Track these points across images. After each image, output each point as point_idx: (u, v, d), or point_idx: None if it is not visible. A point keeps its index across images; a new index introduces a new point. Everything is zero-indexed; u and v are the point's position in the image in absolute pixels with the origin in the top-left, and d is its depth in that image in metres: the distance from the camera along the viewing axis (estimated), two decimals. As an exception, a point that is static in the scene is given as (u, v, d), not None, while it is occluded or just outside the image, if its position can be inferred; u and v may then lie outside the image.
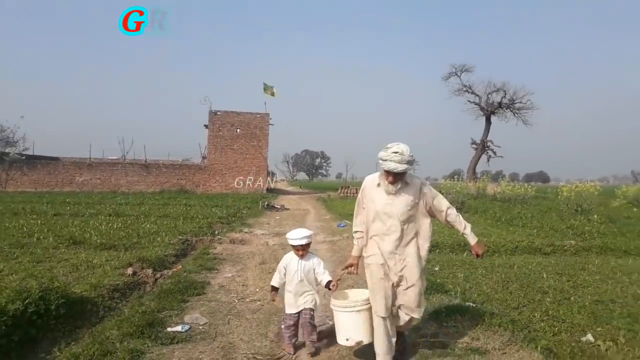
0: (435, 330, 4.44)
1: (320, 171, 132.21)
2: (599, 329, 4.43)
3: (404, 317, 3.75)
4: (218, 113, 34.01)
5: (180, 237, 9.98)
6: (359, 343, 3.79)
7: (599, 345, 4.05)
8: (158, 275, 6.72)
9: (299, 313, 4.04)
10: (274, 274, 4.23)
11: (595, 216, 15.09)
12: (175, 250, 8.67)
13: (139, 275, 6.56)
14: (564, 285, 6.27)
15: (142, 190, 31.62)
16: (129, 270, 6.53)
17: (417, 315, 3.74)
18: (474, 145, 41.41)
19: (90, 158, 33.23)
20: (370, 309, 3.77)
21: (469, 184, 32.02)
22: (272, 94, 34.80)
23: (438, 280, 6.26)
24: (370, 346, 3.77)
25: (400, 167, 3.51)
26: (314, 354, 3.98)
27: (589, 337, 4.21)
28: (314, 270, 4.08)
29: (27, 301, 4.22)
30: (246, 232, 11.75)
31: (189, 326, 4.45)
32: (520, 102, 40.27)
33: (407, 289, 3.66)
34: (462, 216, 3.90)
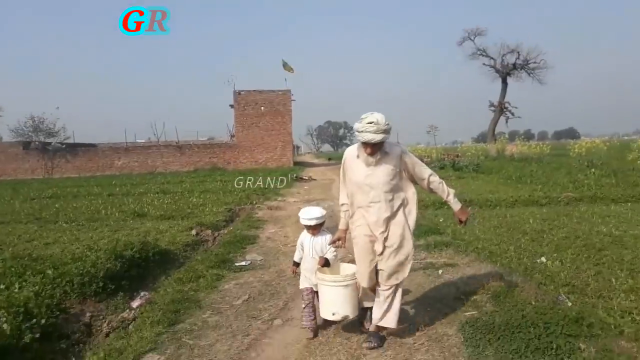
0: (425, 256, 6.03)
1: (344, 141, 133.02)
2: (555, 255, 5.90)
3: (385, 286, 3.72)
4: (242, 93, 35.46)
5: (225, 207, 11.66)
6: (344, 317, 3.82)
7: (547, 264, 5.53)
8: (216, 235, 8.42)
9: (314, 289, 4.02)
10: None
11: (592, 170, 16.24)
12: (224, 216, 10.31)
13: (201, 236, 8.25)
14: (544, 227, 7.66)
15: (177, 170, 33.57)
16: (193, 232, 8.24)
17: (394, 281, 3.69)
18: (492, 108, 42.28)
19: (126, 142, 35.33)
20: (355, 284, 3.82)
21: (488, 146, 33.12)
22: (291, 71, 36.13)
23: (438, 227, 7.79)
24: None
25: (377, 137, 3.47)
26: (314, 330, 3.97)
27: (543, 259, 5.67)
28: (323, 247, 4.03)
29: (133, 250, 5.95)
30: (280, 201, 13.46)
31: (250, 261, 6.20)
32: (535, 62, 40.85)
33: (389, 256, 3.66)
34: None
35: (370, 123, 3.43)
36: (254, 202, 13.15)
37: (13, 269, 5.07)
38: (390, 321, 3.69)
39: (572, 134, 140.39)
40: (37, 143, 34.09)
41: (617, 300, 4.10)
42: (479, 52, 42.80)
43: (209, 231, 8.52)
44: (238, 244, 7.23)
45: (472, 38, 43.04)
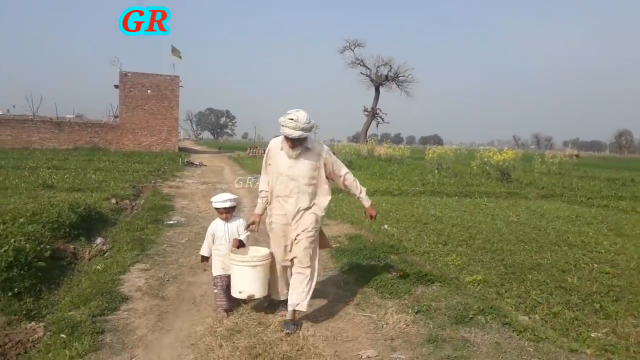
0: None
1: (225, 130, 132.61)
2: (395, 224, 8.55)
3: (298, 269, 3.95)
4: (128, 74, 35.38)
5: (129, 183, 12.98)
6: (250, 297, 4.00)
7: (388, 229, 8.15)
8: (133, 204, 9.99)
9: (228, 275, 4.13)
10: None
11: (436, 171, 20.10)
12: (131, 191, 11.78)
13: (120, 204, 9.77)
14: (392, 209, 10.42)
15: (54, 147, 32.55)
16: (113, 200, 9.72)
17: (306, 264, 3.92)
18: (366, 112, 47.05)
19: (-3, 114, 33.52)
20: (265, 266, 3.99)
21: (360, 146, 36.96)
22: (180, 57, 36.80)
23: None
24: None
25: (295, 134, 3.65)
26: (227, 310, 4.16)
27: (385, 226, 8.29)
28: (238, 230, 4.22)
29: (80, 208, 7.48)
30: (179, 182, 15.09)
31: (176, 221, 8.06)
32: (403, 76, 46.48)
33: (298, 242, 3.91)
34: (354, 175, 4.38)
35: (291, 119, 3.66)
36: (152, 181, 14.54)
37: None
38: (303, 305, 3.91)
39: (437, 140, 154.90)
40: None
41: (422, 245, 6.81)
42: (357, 62, 47.24)
43: (127, 201, 10.06)
44: (160, 210, 9.01)
45: (352, 48, 47.37)
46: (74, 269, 5.39)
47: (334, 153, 4.30)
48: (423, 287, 4.88)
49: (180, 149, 38.89)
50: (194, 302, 4.47)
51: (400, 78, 47.08)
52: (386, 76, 47.09)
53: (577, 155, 59.52)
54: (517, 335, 3.78)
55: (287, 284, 4.11)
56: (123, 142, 34.98)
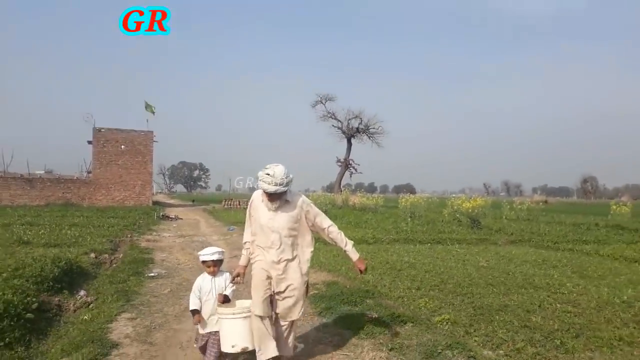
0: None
1: (199, 183, 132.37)
2: (370, 272, 8.86)
3: (282, 322, 4.01)
4: (102, 130, 35.73)
5: (105, 238, 13.06)
6: (244, 349, 3.94)
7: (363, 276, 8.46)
8: (112, 258, 10.10)
9: (209, 334, 4.09)
10: (190, 293, 4.23)
11: (411, 219, 20.60)
12: (109, 245, 11.86)
13: (99, 258, 9.88)
14: (367, 256, 10.72)
15: (25, 203, 32.21)
16: (92, 255, 9.84)
17: (289, 319, 4.00)
18: (339, 163, 48.24)
19: (-33, 171, 33.15)
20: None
21: (335, 196, 37.55)
22: (153, 112, 37.41)
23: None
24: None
25: (271, 189, 3.68)
26: None
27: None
28: (225, 284, 4.14)
29: (62, 263, 7.62)
30: (155, 235, 15.18)
31: (157, 273, 8.22)
32: (374, 128, 48.30)
33: (284, 299, 3.92)
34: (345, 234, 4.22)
35: (267, 174, 3.69)
36: (128, 236, 14.63)
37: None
38: (289, 350, 4.09)
39: (409, 189, 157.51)
40: None
41: (396, 290, 7.14)
42: (328, 115, 48.93)
43: (106, 255, 10.17)
44: (140, 263, 9.17)
45: (324, 102, 49.08)
46: (59, 320, 5.54)
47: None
48: (396, 328, 5.20)
49: (154, 203, 38.83)
50: (180, 346, 4.71)
51: (370, 130, 48.96)
52: (357, 128, 48.85)
53: (545, 202, 61.16)
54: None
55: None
56: (96, 197, 34.84)
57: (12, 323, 4.66)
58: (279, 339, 3.98)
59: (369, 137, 49.40)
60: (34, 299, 5.45)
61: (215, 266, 4.12)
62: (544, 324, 5.57)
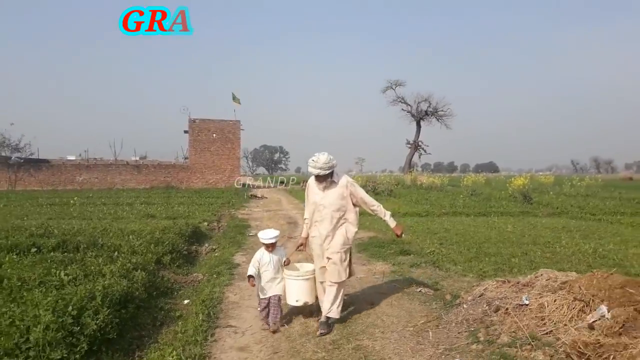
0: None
1: (279, 166, 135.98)
2: (408, 232, 11.55)
3: (328, 284, 4.61)
4: (197, 120, 40.22)
5: (210, 212, 16.55)
6: (305, 303, 4.72)
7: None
8: (219, 225, 13.53)
9: (269, 298, 4.73)
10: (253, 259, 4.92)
11: (471, 196, 22.62)
12: (215, 217, 15.30)
13: (210, 226, 13.32)
14: (413, 224, 13.37)
15: (134, 187, 37.38)
16: (205, 223, 13.31)
17: (337, 279, 4.56)
18: (408, 145, 50.41)
19: (88, 159, 38.94)
20: (313, 278, 4.73)
21: (405, 176, 39.95)
22: (239, 103, 41.38)
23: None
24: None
25: (315, 171, 4.39)
26: (275, 331, 4.61)
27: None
28: (281, 258, 4.88)
29: (190, 227, 11.02)
30: (248, 210, 18.74)
31: (254, 233, 11.44)
32: (442, 110, 49.74)
33: (329, 261, 4.57)
34: (384, 204, 5.01)
35: (312, 160, 4.36)
36: (227, 211, 18.13)
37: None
38: (335, 313, 4.57)
39: (492, 167, 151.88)
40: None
41: (422, 243, 9.85)
42: (398, 100, 51.08)
43: (215, 223, 13.63)
44: (241, 227, 12.58)
45: (394, 87, 51.26)
46: (199, 258, 8.87)
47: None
48: (402, 256, 8.19)
49: (243, 185, 43.09)
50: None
51: (439, 112, 50.74)
52: (426, 111, 50.92)
53: (630, 178, 59.35)
54: (439, 270, 7.08)
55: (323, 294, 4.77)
56: (192, 181, 39.54)
57: (177, 255, 7.99)
58: (326, 300, 4.65)
59: (437, 119, 51.55)
60: (184, 245, 8.82)
61: (272, 246, 4.85)
62: (518, 262, 7.83)
